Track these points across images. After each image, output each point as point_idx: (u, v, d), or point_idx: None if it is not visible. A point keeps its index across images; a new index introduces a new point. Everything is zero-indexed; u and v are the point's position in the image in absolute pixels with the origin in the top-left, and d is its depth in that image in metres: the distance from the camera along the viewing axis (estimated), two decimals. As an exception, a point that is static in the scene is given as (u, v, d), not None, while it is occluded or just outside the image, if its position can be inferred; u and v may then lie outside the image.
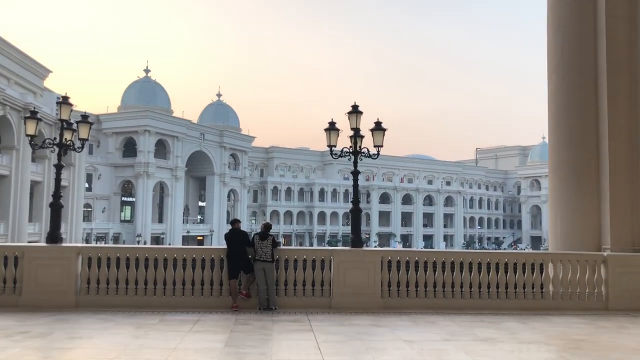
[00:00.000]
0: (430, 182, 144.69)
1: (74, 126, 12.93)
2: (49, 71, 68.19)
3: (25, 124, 12.47)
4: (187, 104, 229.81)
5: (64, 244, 12.68)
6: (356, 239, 12.60)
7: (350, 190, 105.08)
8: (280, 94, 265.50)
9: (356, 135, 12.62)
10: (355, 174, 13.16)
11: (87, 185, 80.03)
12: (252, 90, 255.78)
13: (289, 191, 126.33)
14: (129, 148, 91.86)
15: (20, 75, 59.16)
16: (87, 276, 11.96)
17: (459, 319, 11.21)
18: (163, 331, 9.61)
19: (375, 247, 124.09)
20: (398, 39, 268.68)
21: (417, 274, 12.42)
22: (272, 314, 11.55)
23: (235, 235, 12.41)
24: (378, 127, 13.04)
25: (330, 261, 12.37)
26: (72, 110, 12.40)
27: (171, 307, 11.86)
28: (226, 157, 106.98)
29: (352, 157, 12.94)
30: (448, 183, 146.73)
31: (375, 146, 13.03)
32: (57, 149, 12.45)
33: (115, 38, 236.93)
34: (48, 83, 67.48)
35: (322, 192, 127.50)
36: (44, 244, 12.47)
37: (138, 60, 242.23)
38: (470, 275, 12.65)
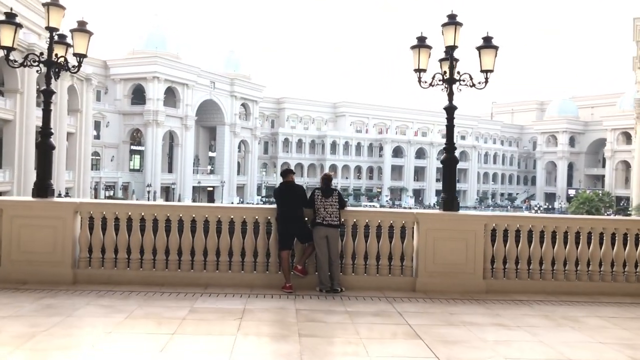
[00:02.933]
0: (444, 136, 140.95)
1: (69, 40, 9.57)
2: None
3: None
4: (199, 54, 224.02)
5: (57, 199, 9.43)
6: (450, 200, 9.34)
7: (363, 143, 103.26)
8: (291, 44, 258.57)
9: (452, 57, 9.12)
10: (451, 110, 9.61)
11: (95, 132, 77.42)
12: (264, 40, 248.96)
13: (300, 143, 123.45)
14: (138, 95, 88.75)
15: (24, 15, 55.42)
16: (89, 242, 8.85)
17: (606, 313, 7.99)
18: (198, 334, 6.39)
19: (387, 201, 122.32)
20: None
21: (530, 247, 9.21)
22: (341, 300, 8.32)
23: (288, 191, 9.18)
24: (488, 44, 9.22)
25: (414, 228, 9.22)
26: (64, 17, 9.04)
27: (201, 286, 8.81)
28: (237, 107, 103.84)
29: (447, 87, 9.34)
30: (463, 137, 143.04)
31: (482, 71, 9.35)
32: (44, 69, 9.09)
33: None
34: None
35: (333, 145, 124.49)
36: (29, 198, 9.16)
37: (149, 3, 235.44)
38: (613, 250, 9.40)
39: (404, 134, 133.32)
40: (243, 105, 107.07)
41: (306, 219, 9.23)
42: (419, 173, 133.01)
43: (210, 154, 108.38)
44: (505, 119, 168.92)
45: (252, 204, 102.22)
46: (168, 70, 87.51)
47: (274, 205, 9.34)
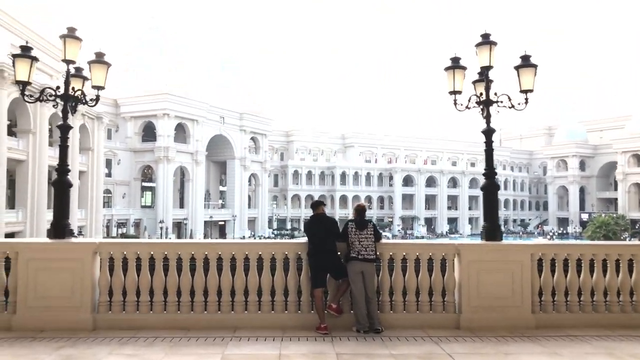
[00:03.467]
0: (454, 164, 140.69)
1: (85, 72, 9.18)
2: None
3: (14, 65, 8.58)
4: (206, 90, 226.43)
5: (74, 239, 8.89)
6: (492, 229, 8.69)
7: (373, 173, 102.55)
8: (299, 77, 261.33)
9: (487, 77, 8.63)
10: (489, 133, 9.03)
11: (106, 170, 77.75)
12: (271, 73, 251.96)
13: (309, 175, 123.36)
14: (148, 132, 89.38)
15: (39, 58, 56.17)
16: (109, 285, 8.31)
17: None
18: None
19: (399, 231, 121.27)
20: (419, 14, 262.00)
21: (580, 277, 8.57)
22: (383, 342, 7.63)
23: (319, 224, 8.59)
24: (526, 63, 8.68)
25: (455, 260, 8.65)
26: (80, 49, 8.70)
27: (229, 329, 8.21)
28: (246, 141, 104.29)
29: (484, 109, 8.83)
30: (472, 164, 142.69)
31: (522, 91, 8.77)
32: (61, 103, 8.60)
33: (135, 25, 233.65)
34: (65, 67, 64.47)
35: (343, 176, 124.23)
36: (45, 240, 8.55)
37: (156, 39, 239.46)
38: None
39: (413, 163, 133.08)
40: (252, 139, 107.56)
41: (339, 253, 8.66)
42: (430, 201, 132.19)
43: (221, 188, 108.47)
44: (514, 145, 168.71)
45: (264, 237, 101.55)
46: (178, 107, 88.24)
47: (305, 240, 8.78)
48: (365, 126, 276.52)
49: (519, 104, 8.59)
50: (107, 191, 79.76)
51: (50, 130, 48.95)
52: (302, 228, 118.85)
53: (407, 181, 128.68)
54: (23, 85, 8.62)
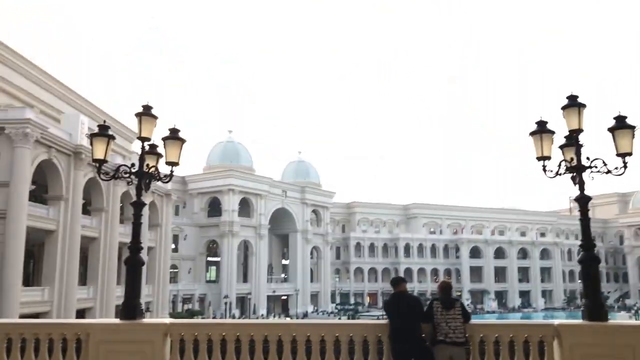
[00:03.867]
0: (523, 234, 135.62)
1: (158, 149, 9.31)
2: (135, 134, 68.93)
3: (91, 144, 8.86)
4: (269, 163, 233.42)
5: (145, 320, 8.39)
6: (595, 306, 7.84)
7: (438, 244, 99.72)
8: (358, 148, 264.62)
9: (577, 142, 8.06)
10: (584, 201, 8.42)
11: (173, 246, 79.57)
12: (331, 146, 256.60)
13: (372, 247, 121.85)
14: (214, 208, 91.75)
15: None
16: None
17: None
18: None
19: (469, 305, 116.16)
20: (474, 84, 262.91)
21: None
22: None
23: (401, 303, 7.94)
24: (621, 124, 8.14)
25: (554, 343, 7.72)
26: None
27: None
28: (308, 214, 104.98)
29: (576, 176, 8.19)
30: (542, 234, 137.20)
31: (618, 155, 8.19)
32: (136, 180, 8.72)
33: (198, 102, 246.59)
34: (135, 146, 68.14)
35: (407, 247, 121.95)
36: (116, 320, 8.33)
37: (221, 121, 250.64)
38: None
39: (480, 233, 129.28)
40: (314, 211, 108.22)
41: (424, 335, 7.92)
42: (499, 274, 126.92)
43: (283, 261, 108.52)
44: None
45: (327, 312, 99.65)
46: (242, 182, 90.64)
47: (386, 321, 8.08)
48: (428, 196, 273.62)
49: (615, 168, 7.90)
50: (174, 266, 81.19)
51: (122, 208, 50.82)
52: (365, 302, 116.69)
53: (475, 252, 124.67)
54: (99, 163, 8.78)
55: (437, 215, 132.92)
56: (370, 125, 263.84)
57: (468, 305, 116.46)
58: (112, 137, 8.85)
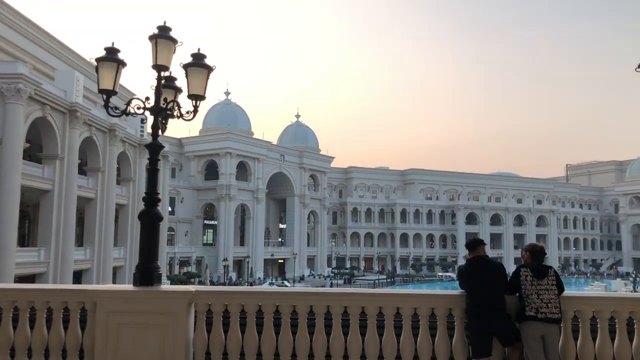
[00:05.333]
0: (519, 201, 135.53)
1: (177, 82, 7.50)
2: (133, 95, 67.46)
3: (97, 70, 7.02)
4: (267, 126, 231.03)
5: (164, 287, 6.68)
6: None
7: (434, 210, 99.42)
8: (357, 113, 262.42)
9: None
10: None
11: (170, 208, 78.75)
12: (330, 110, 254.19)
13: (369, 212, 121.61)
14: (211, 171, 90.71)
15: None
16: (206, 346, 6.45)
17: None
18: None
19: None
20: (478, 53, 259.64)
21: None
22: None
23: (483, 270, 6.39)
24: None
25: None
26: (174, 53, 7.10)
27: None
28: (306, 178, 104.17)
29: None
30: (539, 202, 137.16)
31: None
32: (151, 118, 7.02)
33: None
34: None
35: (403, 213, 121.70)
36: (130, 287, 6.73)
37: (218, 83, 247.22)
38: None
39: (476, 200, 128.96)
40: (312, 176, 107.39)
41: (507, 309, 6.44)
42: (495, 240, 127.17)
43: (281, 225, 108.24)
44: (581, 182, 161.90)
45: (323, 275, 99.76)
46: (240, 146, 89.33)
47: (457, 291, 6.59)
48: (425, 162, 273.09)
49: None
50: (171, 229, 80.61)
51: (118, 169, 49.75)
52: (361, 267, 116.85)
53: (471, 219, 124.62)
54: (107, 94, 7.07)
55: (434, 181, 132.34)
56: (369, 91, 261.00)
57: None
58: (122, 63, 7.09)
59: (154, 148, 6.81)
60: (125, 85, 52.21)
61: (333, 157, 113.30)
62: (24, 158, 35.49)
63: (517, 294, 6.40)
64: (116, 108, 6.92)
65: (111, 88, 6.90)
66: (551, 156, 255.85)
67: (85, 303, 6.44)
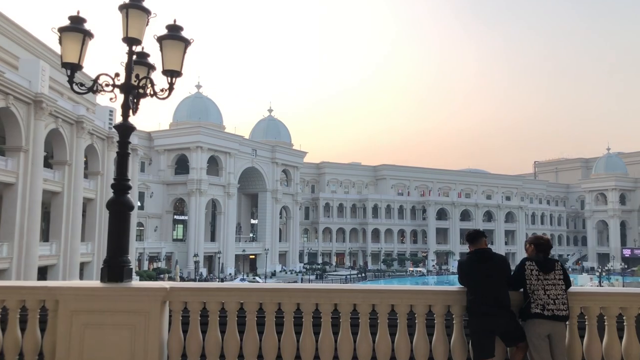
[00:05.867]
0: (489, 197, 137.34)
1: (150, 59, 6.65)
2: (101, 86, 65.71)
3: (60, 42, 6.09)
4: (239, 120, 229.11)
5: (136, 283, 6.10)
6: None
7: (405, 206, 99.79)
8: (329, 108, 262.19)
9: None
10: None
11: (139, 203, 77.17)
12: (302, 105, 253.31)
13: (341, 207, 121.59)
14: (181, 165, 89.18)
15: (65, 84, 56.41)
16: (182, 349, 5.85)
17: None
18: None
19: (434, 266, 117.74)
20: (448, 48, 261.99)
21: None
22: None
23: (484, 265, 5.94)
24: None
25: None
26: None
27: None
28: (278, 173, 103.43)
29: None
30: (508, 198, 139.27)
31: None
32: (120, 95, 6.18)
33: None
34: (100, 99, 64.99)
35: (375, 208, 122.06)
36: (96, 284, 5.96)
37: (189, 76, 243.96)
38: None
39: (447, 196, 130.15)
40: (284, 171, 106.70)
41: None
42: (465, 236, 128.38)
43: (252, 221, 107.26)
44: (549, 178, 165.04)
45: (295, 271, 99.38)
46: (211, 140, 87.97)
47: (456, 287, 6.15)
48: (397, 158, 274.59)
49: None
50: (140, 224, 79.05)
51: (86, 162, 48.45)
52: (333, 262, 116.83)
53: (441, 215, 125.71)
54: (72, 69, 6.14)
55: (405, 177, 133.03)
56: (342, 86, 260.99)
57: (433, 266, 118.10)
58: (89, 34, 6.23)
59: (124, 130, 6.08)
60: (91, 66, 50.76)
61: (306, 152, 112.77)
62: (-15, 150, 34.17)
63: (522, 290, 5.98)
64: (82, 85, 6.14)
65: (76, 62, 6.08)
66: (520, 153, 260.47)
67: (46, 301, 5.76)
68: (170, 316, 5.92)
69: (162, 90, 6.23)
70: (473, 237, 6.26)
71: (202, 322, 5.87)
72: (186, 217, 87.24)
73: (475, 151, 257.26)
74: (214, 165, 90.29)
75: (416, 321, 5.90)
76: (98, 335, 5.58)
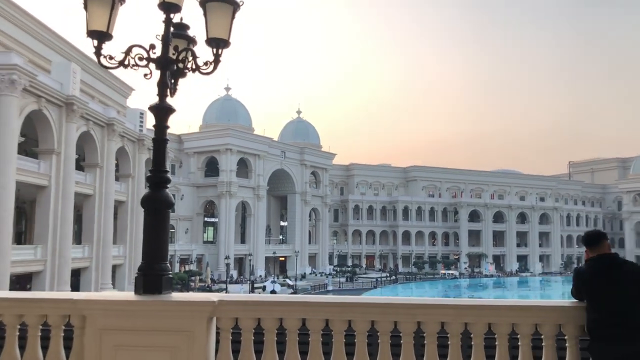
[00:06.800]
0: (522, 199, 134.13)
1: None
2: (131, 89, 66.01)
3: (85, 7, 4.98)
4: (267, 122, 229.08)
5: (176, 295, 4.98)
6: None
7: (437, 207, 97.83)
8: (359, 110, 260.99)
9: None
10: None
11: (169, 205, 77.23)
12: (331, 106, 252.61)
13: (370, 210, 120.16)
14: (211, 168, 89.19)
15: (104, 93, 56.69)
16: None
17: None
18: None
19: (466, 269, 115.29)
20: (481, 49, 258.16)
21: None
22: None
23: (615, 274, 4.60)
24: None
25: None
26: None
27: None
28: (307, 175, 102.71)
29: None
30: (542, 199, 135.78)
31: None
32: (156, 72, 5.09)
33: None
34: (130, 102, 65.16)
35: (405, 210, 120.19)
36: (129, 295, 4.95)
37: (219, 78, 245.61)
38: None
39: (479, 197, 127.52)
40: (313, 173, 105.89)
41: None
42: (498, 238, 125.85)
43: (282, 223, 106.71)
44: (584, 179, 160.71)
45: (325, 273, 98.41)
46: (240, 142, 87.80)
47: (570, 302, 4.90)
48: (428, 159, 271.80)
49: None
50: (171, 226, 79.06)
51: (117, 165, 48.41)
52: (363, 264, 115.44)
53: (473, 216, 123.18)
54: (99, 39, 5.06)
55: (436, 179, 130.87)
56: (371, 88, 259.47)
57: (465, 268, 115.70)
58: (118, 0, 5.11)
59: (161, 111, 5.01)
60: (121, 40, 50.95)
61: (335, 154, 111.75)
62: (19, 153, 34.20)
63: None
64: (111, 58, 5.12)
65: (104, 29, 5.01)
66: (554, 153, 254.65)
67: (71, 317, 4.80)
68: (217, 336, 4.87)
69: (205, 64, 5.09)
70: (593, 239, 4.84)
71: (256, 341, 4.84)
72: (216, 219, 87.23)
73: (508, 152, 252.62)
74: (243, 167, 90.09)
75: (519, 343, 4.69)
76: (132, 359, 4.60)
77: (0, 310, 4.76)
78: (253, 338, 4.75)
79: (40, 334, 4.80)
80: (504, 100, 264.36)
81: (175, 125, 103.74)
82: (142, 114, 51.12)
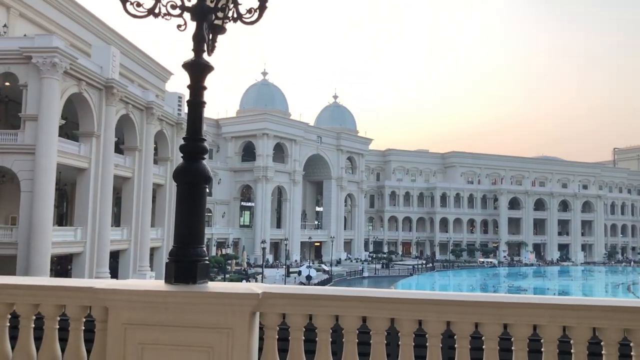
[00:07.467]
0: (564, 186, 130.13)
1: None
2: (170, 74, 66.29)
3: None
4: (304, 107, 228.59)
5: (214, 285, 4.06)
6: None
7: (476, 194, 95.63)
8: (396, 95, 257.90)
9: None
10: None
11: (207, 190, 77.85)
12: (368, 91, 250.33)
13: (407, 196, 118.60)
14: (248, 152, 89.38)
15: (143, 77, 56.90)
16: None
17: None
18: None
19: (505, 257, 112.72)
20: (524, 34, 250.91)
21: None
22: None
23: None
24: None
25: None
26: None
27: None
28: (343, 161, 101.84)
29: None
30: (585, 187, 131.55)
31: None
32: (191, 23, 4.15)
33: (231, 42, 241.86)
34: (169, 86, 65.46)
35: (443, 197, 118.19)
36: (159, 284, 4.06)
37: (256, 63, 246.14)
38: None
39: (519, 184, 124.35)
40: (349, 158, 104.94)
41: None
42: (539, 226, 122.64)
43: (317, 208, 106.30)
44: (630, 166, 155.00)
45: (360, 260, 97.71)
46: (277, 127, 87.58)
47: None
48: (467, 145, 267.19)
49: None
50: (208, 210, 79.73)
51: (155, 149, 48.54)
52: (399, 251, 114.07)
53: (513, 204, 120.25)
54: None
55: (475, 165, 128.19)
56: (409, 73, 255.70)
57: (505, 257, 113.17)
58: None
59: (198, 68, 4.19)
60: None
61: (371, 139, 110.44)
62: (59, 135, 34.38)
63: None
64: (139, 5, 4.25)
65: None
66: (597, 139, 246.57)
67: (92, 308, 4.08)
68: (261, 333, 4.10)
69: (249, 11, 4.28)
70: None
71: (306, 341, 4.10)
72: (253, 204, 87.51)
73: (550, 138, 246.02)
74: (279, 152, 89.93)
75: (632, 353, 3.72)
76: (162, 358, 3.85)
77: (14, 299, 4.10)
78: (303, 338, 3.99)
79: (58, 326, 4.16)
80: (546, 85, 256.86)
81: (213, 110, 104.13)
82: (180, 97, 51.09)
